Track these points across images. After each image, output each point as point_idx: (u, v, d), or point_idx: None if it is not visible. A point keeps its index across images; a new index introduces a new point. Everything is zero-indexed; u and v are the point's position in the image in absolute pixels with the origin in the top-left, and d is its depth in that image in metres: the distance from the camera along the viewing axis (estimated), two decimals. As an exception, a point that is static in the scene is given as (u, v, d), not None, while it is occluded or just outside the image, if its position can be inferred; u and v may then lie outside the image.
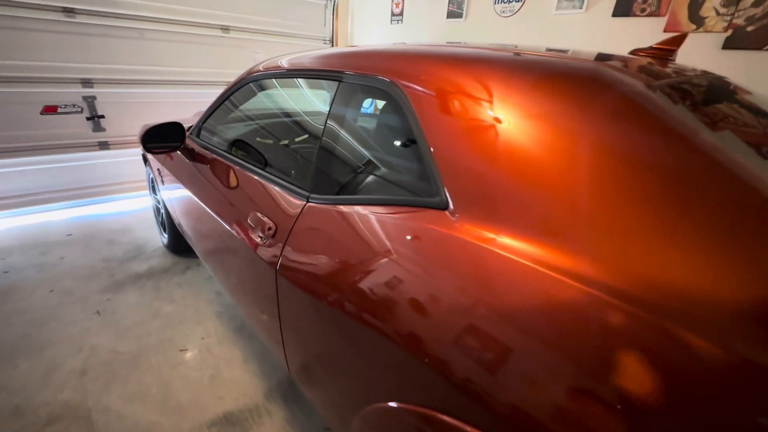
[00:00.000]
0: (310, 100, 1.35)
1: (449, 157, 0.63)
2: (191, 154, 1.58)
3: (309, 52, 1.17)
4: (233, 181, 1.26)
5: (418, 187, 0.72)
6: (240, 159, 1.29)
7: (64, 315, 1.89)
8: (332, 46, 4.30)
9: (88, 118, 2.96)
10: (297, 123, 1.51)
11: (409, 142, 0.74)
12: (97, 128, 3.03)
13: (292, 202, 0.95)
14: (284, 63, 1.22)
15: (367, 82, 0.85)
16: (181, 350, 1.70)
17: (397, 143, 0.85)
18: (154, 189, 2.46)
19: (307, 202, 0.91)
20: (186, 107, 3.37)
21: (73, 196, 3.10)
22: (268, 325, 1.07)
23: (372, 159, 0.90)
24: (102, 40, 2.88)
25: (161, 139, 1.48)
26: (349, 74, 0.90)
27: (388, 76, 0.79)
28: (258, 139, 1.51)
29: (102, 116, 3.00)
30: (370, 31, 4.11)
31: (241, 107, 1.60)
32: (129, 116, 3.15)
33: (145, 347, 1.70)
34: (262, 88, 1.47)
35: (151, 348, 1.70)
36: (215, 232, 1.41)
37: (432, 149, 0.66)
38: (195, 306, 2.00)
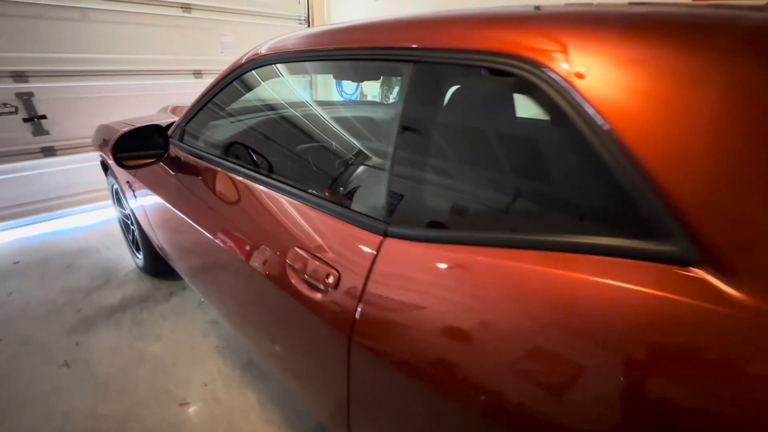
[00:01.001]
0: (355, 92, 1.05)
1: (694, 179, 0.39)
2: (176, 164, 1.24)
3: (341, 24, 0.87)
4: (248, 202, 0.96)
5: (609, 222, 0.48)
6: (256, 172, 0.99)
7: (21, 371, 1.51)
8: (308, 26, 3.89)
9: (25, 120, 2.46)
10: (343, 123, 1.20)
11: (580, 154, 0.48)
12: (39, 131, 2.53)
13: (357, 235, 0.68)
14: (303, 41, 0.92)
15: (470, 60, 0.58)
16: (181, 404, 1.39)
17: (548, 154, 0.60)
18: (119, 202, 2.06)
19: (385, 236, 0.64)
20: (146, 102, 2.91)
21: (16, 214, 2.60)
22: (322, 393, 0.81)
23: (497, 177, 0.63)
24: (35, 23, 2.37)
25: (137, 148, 1.13)
26: (438, 52, 0.62)
27: (524, 53, 0.52)
28: (283, 145, 1.20)
29: (43, 116, 2.50)
30: (351, 8, 3.74)
31: (244, 102, 1.27)
32: (77, 115, 2.66)
33: (135, 405, 1.38)
34: (272, 77, 1.15)
35: (143, 405, 1.38)
36: (218, 260, 1.11)
37: (650, 166, 0.41)
38: (189, 342, 1.67)
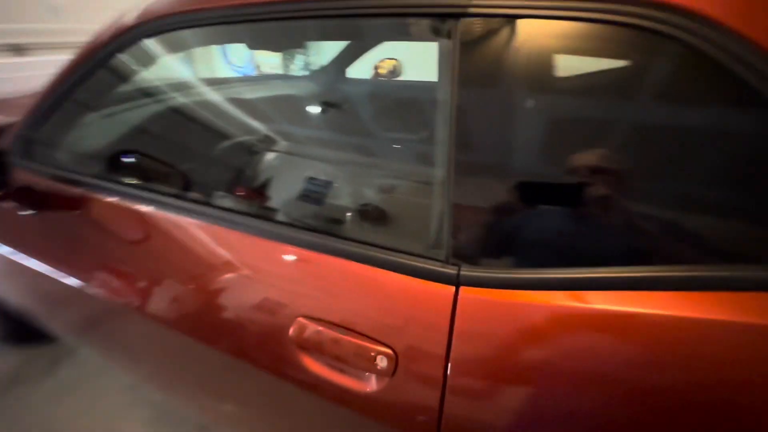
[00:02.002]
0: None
1: None
2: (30, 198, 0.79)
3: None
4: (182, 245, 0.63)
5: None
6: (199, 201, 0.65)
7: None
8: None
9: None
10: (328, 109, 0.85)
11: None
12: None
13: (411, 289, 0.45)
14: None
15: (576, 12, 0.38)
16: None
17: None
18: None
19: (458, 284, 0.43)
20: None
21: None
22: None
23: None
24: None
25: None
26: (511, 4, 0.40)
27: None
28: (244, 154, 0.82)
29: None
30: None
31: (141, 90, 0.85)
32: None
33: None
34: (183, 48, 0.77)
35: None
36: (139, 332, 0.76)
37: None
38: (106, 424, 1.24)
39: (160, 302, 0.67)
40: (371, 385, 0.47)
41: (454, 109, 0.43)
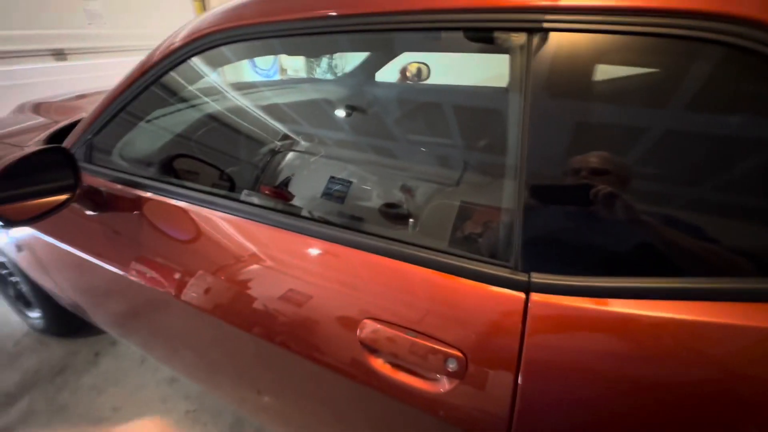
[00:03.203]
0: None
1: None
2: (90, 198, 0.84)
3: None
4: (251, 248, 0.66)
5: None
6: (266, 206, 0.67)
7: None
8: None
9: None
10: (392, 114, 0.86)
11: None
12: None
13: (478, 295, 0.47)
14: (296, 4, 0.61)
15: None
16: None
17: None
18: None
19: (529, 291, 0.45)
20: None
21: None
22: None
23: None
24: None
25: (22, 186, 0.71)
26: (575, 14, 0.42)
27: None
28: (326, 160, 0.85)
29: None
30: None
31: (199, 100, 0.89)
32: None
33: None
34: (233, 60, 0.80)
35: None
36: (196, 330, 0.80)
37: None
38: (146, 416, 1.29)
39: (210, 296, 0.70)
40: (440, 386, 0.49)
41: (527, 117, 0.45)
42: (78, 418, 1.28)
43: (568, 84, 0.45)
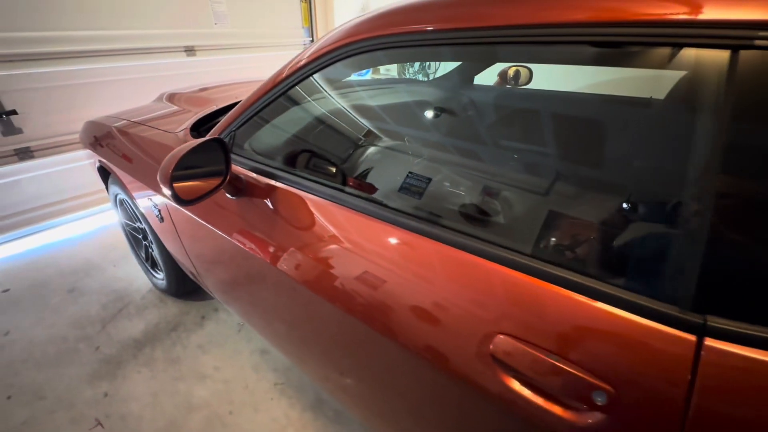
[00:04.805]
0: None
1: None
2: (232, 184, 0.94)
3: None
4: (393, 247, 0.68)
5: None
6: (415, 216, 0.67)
7: (44, 439, 1.24)
8: (308, -10, 3.42)
9: (-9, 117, 2.03)
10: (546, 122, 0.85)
11: None
12: (10, 130, 2.11)
13: (640, 330, 0.43)
14: (462, 12, 0.60)
15: None
16: (255, 468, 1.16)
17: None
18: (128, 215, 1.73)
19: (702, 334, 0.40)
20: (133, 88, 2.49)
21: (-5, 230, 2.21)
22: None
23: None
24: (-13, -7, 1.90)
25: (191, 168, 0.82)
26: None
27: None
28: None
29: (13, 112, 2.07)
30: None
31: (342, 102, 0.96)
32: (54, 108, 2.23)
33: (198, 473, 1.15)
34: (379, 65, 0.84)
35: (208, 472, 1.15)
36: (313, 312, 0.85)
37: None
38: (240, 381, 1.42)
39: (324, 278, 0.74)
40: (580, 417, 0.46)
41: (721, 139, 0.40)
42: (187, 370, 1.46)
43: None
